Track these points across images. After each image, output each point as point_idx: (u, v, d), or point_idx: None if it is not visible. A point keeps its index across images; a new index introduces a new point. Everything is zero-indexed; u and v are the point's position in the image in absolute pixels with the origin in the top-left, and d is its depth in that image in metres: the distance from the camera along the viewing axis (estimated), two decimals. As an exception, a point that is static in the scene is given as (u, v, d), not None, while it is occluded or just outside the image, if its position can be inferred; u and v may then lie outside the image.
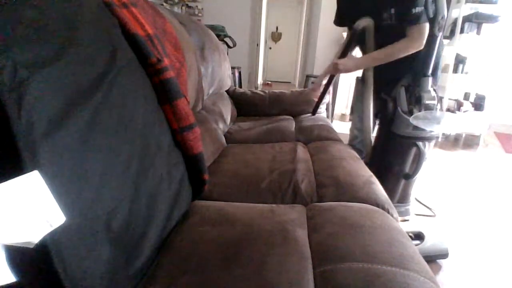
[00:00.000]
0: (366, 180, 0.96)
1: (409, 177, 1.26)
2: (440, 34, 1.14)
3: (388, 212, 0.82)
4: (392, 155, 1.29)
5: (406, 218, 1.46)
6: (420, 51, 1.18)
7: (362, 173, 1.01)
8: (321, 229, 0.67)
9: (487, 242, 1.48)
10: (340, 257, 0.56)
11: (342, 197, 0.87)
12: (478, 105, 3.20)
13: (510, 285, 1.21)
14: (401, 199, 1.36)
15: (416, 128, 1.16)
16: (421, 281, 0.51)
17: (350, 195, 0.87)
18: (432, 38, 1.15)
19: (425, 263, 0.58)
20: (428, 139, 1.20)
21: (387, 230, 0.66)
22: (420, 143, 1.19)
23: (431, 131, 1.18)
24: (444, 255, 1.31)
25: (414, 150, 1.22)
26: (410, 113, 1.19)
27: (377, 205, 0.83)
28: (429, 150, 1.24)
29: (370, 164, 1.30)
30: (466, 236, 1.52)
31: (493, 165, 2.65)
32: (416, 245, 1.31)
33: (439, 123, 1.14)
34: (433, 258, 1.30)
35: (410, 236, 1.35)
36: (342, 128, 3.28)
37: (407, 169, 1.27)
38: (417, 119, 1.14)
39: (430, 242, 1.33)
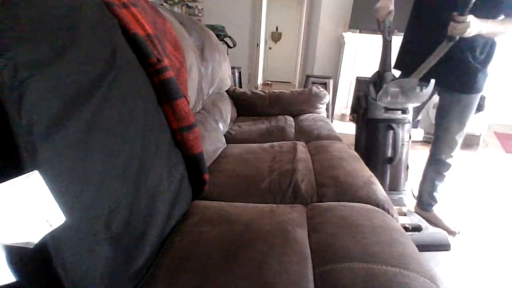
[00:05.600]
0: (366, 180, 0.96)
1: (391, 161, 1.38)
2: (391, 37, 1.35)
3: (388, 212, 0.82)
4: (372, 140, 1.41)
5: (402, 209, 1.51)
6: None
7: (362, 173, 1.01)
8: (321, 229, 0.67)
9: (486, 241, 1.49)
10: (340, 257, 0.56)
11: (342, 197, 0.87)
12: (478, 105, 3.19)
13: (509, 284, 1.22)
14: (393, 187, 1.42)
15: (387, 110, 1.35)
16: (421, 281, 0.51)
17: (350, 195, 0.87)
18: (386, 42, 1.35)
19: (425, 263, 0.58)
20: (401, 121, 1.37)
21: (387, 230, 0.66)
22: (394, 125, 1.36)
23: (403, 114, 1.37)
24: (446, 245, 1.32)
25: (391, 133, 1.37)
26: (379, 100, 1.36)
27: (377, 205, 0.83)
28: (405, 134, 1.38)
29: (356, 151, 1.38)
30: (466, 235, 1.52)
31: (493, 165, 2.65)
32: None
33: (407, 96, 1.32)
34: (435, 249, 1.33)
35: (408, 228, 1.39)
36: (342, 128, 3.28)
37: (388, 153, 1.39)
38: (384, 93, 1.31)
39: (430, 231, 1.37)
